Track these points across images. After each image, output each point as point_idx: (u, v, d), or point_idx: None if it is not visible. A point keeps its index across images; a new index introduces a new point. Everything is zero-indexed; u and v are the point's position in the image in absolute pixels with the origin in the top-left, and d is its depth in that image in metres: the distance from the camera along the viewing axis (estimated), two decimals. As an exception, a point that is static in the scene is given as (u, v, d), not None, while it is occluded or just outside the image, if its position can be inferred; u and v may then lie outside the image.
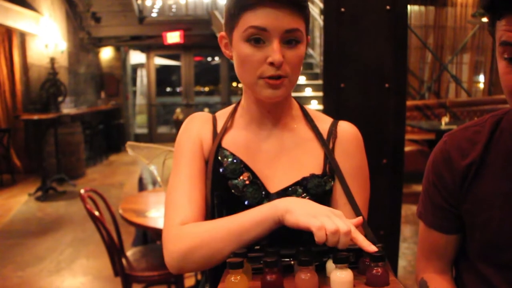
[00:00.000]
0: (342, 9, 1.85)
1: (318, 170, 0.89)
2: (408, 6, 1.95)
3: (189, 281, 2.91)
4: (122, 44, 10.10)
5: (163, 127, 12.56)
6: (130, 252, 2.66)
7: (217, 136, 0.93)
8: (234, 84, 12.38)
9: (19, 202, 5.59)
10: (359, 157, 0.92)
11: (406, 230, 3.94)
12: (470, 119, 6.25)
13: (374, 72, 1.89)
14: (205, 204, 0.87)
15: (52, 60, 6.86)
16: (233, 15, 0.83)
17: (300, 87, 6.74)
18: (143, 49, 11.24)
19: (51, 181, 6.08)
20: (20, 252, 3.91)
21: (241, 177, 0.88)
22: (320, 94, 5.47)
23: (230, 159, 0.89)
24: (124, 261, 2.50)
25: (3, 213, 5.12)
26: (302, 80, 6.95)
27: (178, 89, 13.30)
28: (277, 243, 0.74)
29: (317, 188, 0.87)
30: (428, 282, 0.98)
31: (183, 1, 9.69)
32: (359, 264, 0.71)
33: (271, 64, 0.81)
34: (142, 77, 13.17)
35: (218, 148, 0.91)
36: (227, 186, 0.88)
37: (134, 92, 12.51)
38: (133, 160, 8.01)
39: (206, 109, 10.40)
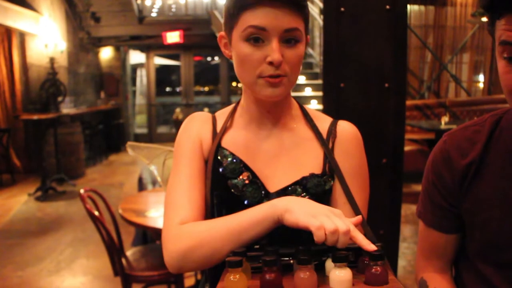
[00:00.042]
0: (342, 9, 1.85)
1: (317, 170, 0.89)
2: (408, 6, 1.95)
3: (189, 281, 2.91)
4: (122, 44, 10.10)
5: (162, 127, 12.56)
6: (129, 252, 2.66)
7: (216, 136, 0.93)
8: (234, 84, 12.38)
9: (19, 202, 5.59)
10: (358, 157, 0.92)
11: (405, 230, 3.94)
12: (470, 118, 6.25)
13: (374, 71, 1.90)
14: (204, 203, 0.87)
15: (52, 60, 6.86)
16: (233, 14, 0.83)
17: (300, 87, 6.74)
18: (142, 49, 11.24)
19: (51, 181, 6.08)
20: (20, 252, 3.91)
21: (240, 177, 0.88)
22: (320, 93, 5.47)
23: (229, 159, 0.89)
24: (124, 261, 2.50)
25: (2, 213, 5.12)
26: (302, 79, 6.95)
27: (177, 89, 13.30)
28: (277, 242, 0.74)
29: (317, 188, 0.87)
30: (428, 281, 0.98)
31: (183, 1, 9.69)
32: (358, 263, 0.71)
33: (270, 63, 0.81)
34: (141, 77, 13.17)
35: (217, 148, 0.91)
36: (227, 186, 0.88)
37: (134, 92, 12.51)
38: (133, 160, 8.01)
39: (206, 109, 10.40)
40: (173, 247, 0.79)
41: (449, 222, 0.95)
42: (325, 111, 1.91)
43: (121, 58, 10.43)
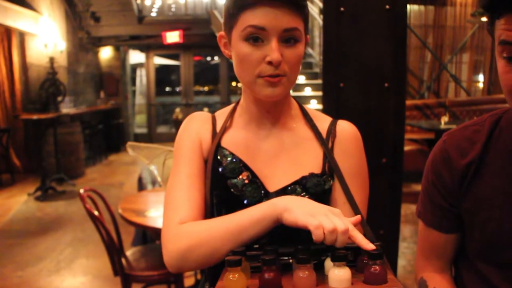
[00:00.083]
0: (342, 9, 1.85)
1: (317, 169, 0.89)
2: (408, 6, 1.95)
3: (189, 280, 2.91)
4: (122, 44, 10.10)
5: (162, 127, 12.56)
6: (129, 252, 2.66)
7: (216, 136, 0.93)
8: (234, 83, 12.38)
9: (19, 202, 5.59)
10: (358, 156, 0.92)
11: (405, 230, 3.94)
12: (470, 118, 6.25)
13: (374, 71, 1.90)
14: (204, 203, 0.87)
15: (52, 60, 6.85)
16: (232, 14, 0.83)
17: (300, 87, 6.74)
18: (142, 48, 11.24)
19: (51, 181, 6.08)
20: (19, 252, 3.91)
21: (240, 176, 0.88)
22: (320, 93, 5.47)
23: (229, 158, 0.89)
24: (123, 260, 2.50)
25: (2, 213, 5.12)
26: (301, 79, 6.95)
27: (177, 89, 13.30)
28: (276, 242, 0.74)
29: (316, 187, 0.87)
30: (428, 281, 0.98)
31: (182, 1, 9.69)
32: (357, 262, 0.71)
33: (270, 63, 0.81)
34: (141, 76, 13.17)
35: (217, 148, 0.91)
36: (226, 185, 0.88)
37: (134, 92, 12.51)
38: (133, 160, 8.01)
39: (206, 109, 10.40)
40: (172, 247, 0.79)
41: (449, 222, 0.95)
42: (324, 111, 1.91)
43: (120, 57, 10.42)
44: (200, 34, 9.68)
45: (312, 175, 0.88)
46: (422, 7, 7.06)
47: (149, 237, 3.23)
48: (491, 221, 0.87)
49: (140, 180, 3.67)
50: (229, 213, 0.80)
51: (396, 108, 1.92)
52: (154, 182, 3.58)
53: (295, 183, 0.87)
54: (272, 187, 0.88)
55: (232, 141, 0.92)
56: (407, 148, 4.91)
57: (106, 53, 10.21)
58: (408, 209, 4.20)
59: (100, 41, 9.61)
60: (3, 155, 6.70)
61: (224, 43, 0.90)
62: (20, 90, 7.03)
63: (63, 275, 3.43)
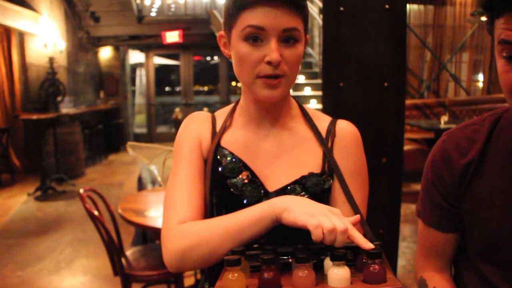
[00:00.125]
0: (341, 8, 1.85)
1: (317, 169, 0.89)
2: (407, 5, 1.95)
3: (189, 280, 2.91)
4: (121, 44, 10.10)
5: (162, 127, 12.56)
6: (129, 252, 2.66)
7: (216, 135, 0.93)
8: (233, 83, 12.39)
9: (19, 201, 5.59)
10: (358, 156, 0.93)
11: (405, 229, 3.94)
12: (469, 118, 6.23)
13: (373, 71, 1.90)
14: (204, 203, 0.87)
15: (51, 60, 6.85)
16: (232, 14, 0.83)
17: (299, 86, 6.74)
18: (142, 48, 11.24)
19: (50, 181, 6.08)
20: (19, 251, 3.91)
21: (240, 176, 0.88)
22: (319, 93, 5.46)
23: (229, 158, 0.89)
24: (123, 260, 2.50)
25: (2, 212, 5.12)
26: (301, 79, 6.95)
27: (177, 89, 13.30)
28: (276, 241, 0.74)
29: (316, 187, 0.87)
30: (427, 280, 0.98)
31: (182, 1, 9.69)
32: (356, 261, 0.71)
33: (269, 63, 0.81)
34: (141, 76, 13.17)
35: (217, 147, 0.91)
36: (226, 185, 0.88)
37: (133, 92, 12.50)
38: (133, 160, 8.01)
39: (205, 109, 10.39)
40: (172, 247, 0.79)
41: (449, 221, 0.95)
42: (324, 110, 1.91)
43: (120, 57, 10.42)
44: (199, 34, 9.68)
45: (311, 174, 0.88)
46: (421, 7, 7.06)
47: (149, 237, 3.23)
48: (491, 221, 0.87)
49: (140, 180, 3.67)
50: (229, 212, 0.80)
51: (396, 108, 1.92)
52: (154, 182, 3.58)
53: (295, 182, 0.87)
54: (271, 186, 0.88)
55: (232, 141, 0.92)
56: (406, 147, 4.92)
57: (105, 53, 10.21)
58: (408, 209, 4.20)
59: (100, 41, 9.61)
60: (3, 155, 6.70)
61: (224, 43, 0.90)
62: (20, 90, 7.03)
63: (63, 275, 3.43)
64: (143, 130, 11.85)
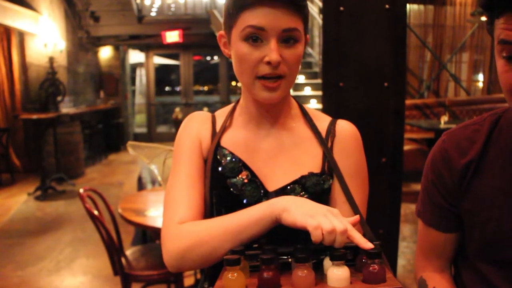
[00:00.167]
0: (341, 8, 1.85)
1: (316, 169, 0.89)
2: (407, 5, 1.95)
3: (189, 280, 2.92)
4: (121, 43, 10.09)
5: (162, 127, 12.56)
6: (129, 251, 2.66)
7: (216, 135, 0.93)
8: (233, 83, 12.38)
9: (19, 201, 5.59)
10: (357, 156, 0.92)
11: (405, 229, 3.94)
12: (469, 118, 6.24)
13: (373, 71, 1.90)
14: (203, 203, 0.87)
15: (51, 60, 6.85)
16: (232, 14, 0.83)
17: (299, 86, 6.74)
18: (142, 48, 11.23)
19: (50, 181, 6.08)
20: (19, 251, 3.91)
21: (239, 176, 0.88)
22: (319, 93, 5.46)
23: (228, 158, 0.89)
24: (123, 260, 2.50)
25: (2, 212, 5.12)
26: (301, 79, 6.95)
27: (177, 88, 13.29)
28: (275, 241, 0.74)
29: (316, 187, 0.87)
30: (427, 280, 0.98)
31: (182, 0, 9.68)
32: (356, 261, 0.71)
33: (268, 63, 0.81)
34: (141, 76, 13.17)
35: (217, 147, 0.91)
36: (226, 185, 0.88)
37: (133, 92, 12.50)
38: (133, 160, 8.01)
39: (205, 108, 10.39)
40: (172, 246, 0.79)
41: (449, 221, 0.95)
42: (324, 110, 1.91)
43: (120, 57, 10.42)
44: (199, 34, 9.67)
45: (311, 174, 0.88)
46: (421, 7, 7.06)
47: (148, 236, 3.23)
48: (491, 221, 0.87)
49: (139, 179, 3.68)
50: (229, 212, 0.80)
51: (396, 108, 1.92)
52: (153, 182, 3.58)
53: (295, 182, 0.87)
54: (271, 186, 0.88)
55: (232, 141, 0.92)
56: (406, 147, 4.91)
57: (105, 53, 10.21)
58: (407, 209, 4.20)
59: (100, 41, 9.60)
60: (3, 154, 6.70)
61: (224, 43, 0.90)
62: (20, 89, 7.03)
63: (63, 274, 3.43)
64: (143, 130, 11.85)
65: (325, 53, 1.93)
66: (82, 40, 8.74)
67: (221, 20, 0.90)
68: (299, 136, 0.93)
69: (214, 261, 0.77)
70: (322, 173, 0.89)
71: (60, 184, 6.28)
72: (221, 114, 0.97)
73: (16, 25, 6.14)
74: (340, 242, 0.68)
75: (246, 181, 0.88)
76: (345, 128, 0.93)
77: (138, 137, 11.03)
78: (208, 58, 14.47)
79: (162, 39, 9.53)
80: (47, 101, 6.89)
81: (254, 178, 0.88)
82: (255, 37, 0.81)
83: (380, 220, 1.95)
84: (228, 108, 0.98)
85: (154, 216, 2.43)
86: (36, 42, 6.96)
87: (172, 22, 9.53)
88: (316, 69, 7.31)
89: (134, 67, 12.56)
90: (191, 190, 0.86)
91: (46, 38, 6.96)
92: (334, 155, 0.90)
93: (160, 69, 12.79)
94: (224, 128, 0.94)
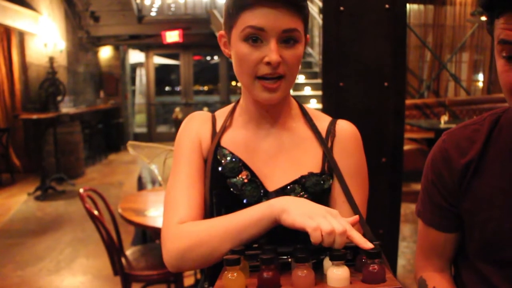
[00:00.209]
0: (341, 8, 1.85)
1: (316, 169, 0.89)
2: (407, 5, 1.95)
3: (189, 280, 2.92)
4: (121, 43, 10.09)
5: (162, 126, 12.56)
6: (129, 251, 2.66)
7: (216, 135, 0.93)
8: (233, 83, 12.38)
9: (19, 201, 5.59)
10: (357, 156, 0.92)
11: (405, 229, 3.94)
12: (469, 117, 6.22)
13: (373, 71, 1.90)
14: (203, 203, 0.87)
15: (51, 60, 6.85)
16: (232, 14, 0.83)
17: (299, 86, 6.74)
18: (142, 48, 11.24)
19: (50, 181, 6.08)
20: (19, 251, 3.91)
21: (239, 176, 0.88)
22: (319, 93, 5.46)
23: (228, 158, 0.89)
24: (123, 260, 2.50)
25: (2, 212, 5.12)
26: (301, 79, 6.96)
27: (177, 88, 13.29)
28: (275, 241, 0.74)
29: (315, 187, 0.87)
30: (427, 280, 0.98)
31: (182, 0, 9.69)
32: (356, 261, 0.71)
33: (268, 63, 0.81)
34: (141, 76, 13.16)
35: (217, 147, 0.91)
36: (226, 185, 0.88)
37: (133, 91, 12.50)
38: (133, 159, 8.01)
39: (206, 108, 10.39)
40: (172, 246, 0.79)
41: (448, 221, 0.95)
42: (324, 110, 1.91)
43: (120, 57, 10.42)
44: (199, 34, 9.67)
45: (311, 174, 0.88)
46: (421, 7, 7.05)
47: (148, 236, 3.23)
48: (491, 221, 0.87)
49: (139, 179, 3.68)
50: (229, 212, 0.80)
51: (396, 108, 1.92)
52: (154, 182, 3.58)
53: (294, 182, 0.87)
54: (271, 186, 0.88)
55: (232, 141, 0.92)
56: (406, 147, 4.91)
57: (105, 53, 10.21)
58: (407, 209, 4.20)
59: (100, 41, 9.60)
60: (3, 154, 6.70)
61: (224, 43, 0.90)
62: (20, 89, 7.03)
63: (63, 274, 3.43)
64: (143, 130, 11.85)
65: (325, 53, 1.93)
66: (82, 40, 8.74)
67: (221, 20, 0.90)
68: (299, 136, 0.93)
69: (214, 261, 0.77)
70: (322, 173, 0.89)
71: (60, 184, 6.29)
72: (221, 114, 0.97)
73: (16, 25, 6.14)
74: (339, 243, 0.68)
75: (246, 181, 0.88)
76: (345, 128, 0.93)
77: (138, 137, 11.03)
78: (208, 58, 14.47)
79: (162, 39, 9.53)
80: (47, 101, 6.90)
81: (254, 178, 0.88)
82: (255, 37, 0.81)
83: (380, 220, 1.95)
84: (228, 108, 0.98)
85: (154, 216, 2.43)
86: (36, 42, 6.96)
87: (172, 22, 9.53)
88: (316, 69, 7.31)
89: (134, 67, 12.56)
90: (191, 190, 0.86)
91: (46, 38, 6.96)
92: (334, 155, 0.90)
93: (160, 69, 12.79)
94: (224, 128, 0.94)
